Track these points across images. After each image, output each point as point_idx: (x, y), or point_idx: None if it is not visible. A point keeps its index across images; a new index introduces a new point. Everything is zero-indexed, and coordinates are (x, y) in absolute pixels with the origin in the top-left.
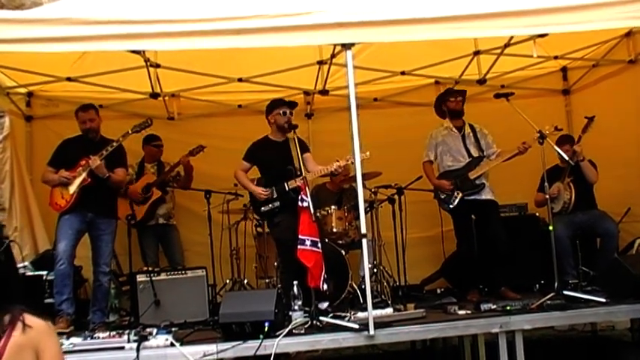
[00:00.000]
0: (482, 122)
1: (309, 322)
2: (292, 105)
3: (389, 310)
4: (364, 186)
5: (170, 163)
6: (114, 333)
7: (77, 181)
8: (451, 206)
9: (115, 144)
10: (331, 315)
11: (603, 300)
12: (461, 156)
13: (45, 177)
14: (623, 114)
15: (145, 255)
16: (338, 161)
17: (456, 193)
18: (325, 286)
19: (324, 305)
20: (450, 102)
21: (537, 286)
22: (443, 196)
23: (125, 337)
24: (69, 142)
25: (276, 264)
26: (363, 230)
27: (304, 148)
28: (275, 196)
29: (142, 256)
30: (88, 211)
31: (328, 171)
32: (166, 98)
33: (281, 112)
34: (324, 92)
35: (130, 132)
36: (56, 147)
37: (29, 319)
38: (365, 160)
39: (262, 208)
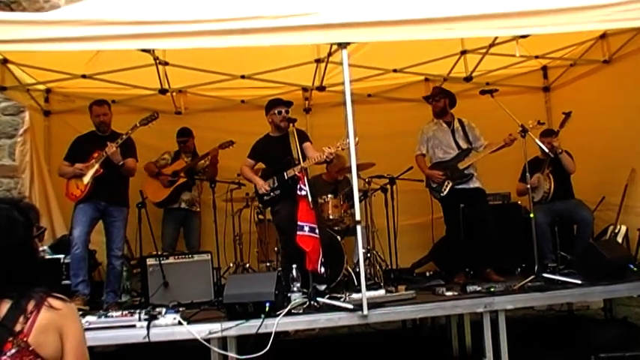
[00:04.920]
0: (468, 117)
1: (307, 303)
2: (288, 104)
3: (381, 292)
4: (358, 176)
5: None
6: (126, 312)
7: (91, 172)
8: (442, 195)
9: (125, 136)
10: (327, 296)
11: (579, 282)
12: (451, 148)
13: (61, 170)
14: (599, 110)
15: (164, 236)
16: (329, 148)
17: (446, 183)
18: (322, 269)
19: (323, 287)
20: (431, 106)
21: (519, 269)
22: (434, 186)
23: (136, 316)
24: (81, 138)
25: (276, 249)
26: (358, 217)
27: (304, 139)
28: (276, 185)
29: (161, 237)
30: (101, 200)
31: (321, 158)
32: (174, 94)
33: (276, 111)
34: (321, 88)
35: (137, 125)
36: (70, 144)
37: (54, 302)
38: (359, 151)
39: (265, 197)
